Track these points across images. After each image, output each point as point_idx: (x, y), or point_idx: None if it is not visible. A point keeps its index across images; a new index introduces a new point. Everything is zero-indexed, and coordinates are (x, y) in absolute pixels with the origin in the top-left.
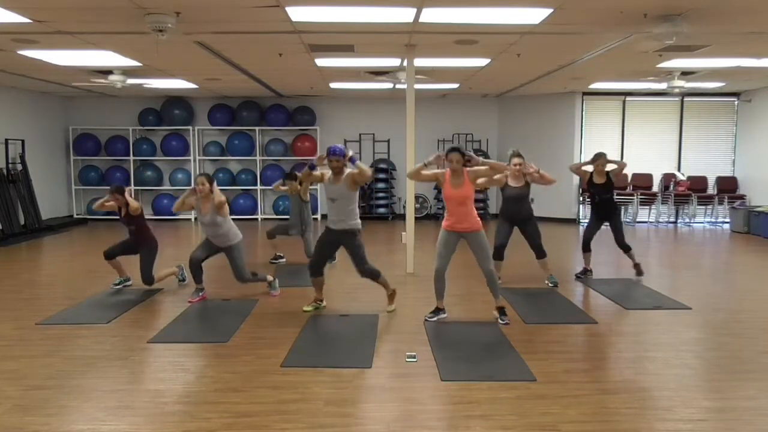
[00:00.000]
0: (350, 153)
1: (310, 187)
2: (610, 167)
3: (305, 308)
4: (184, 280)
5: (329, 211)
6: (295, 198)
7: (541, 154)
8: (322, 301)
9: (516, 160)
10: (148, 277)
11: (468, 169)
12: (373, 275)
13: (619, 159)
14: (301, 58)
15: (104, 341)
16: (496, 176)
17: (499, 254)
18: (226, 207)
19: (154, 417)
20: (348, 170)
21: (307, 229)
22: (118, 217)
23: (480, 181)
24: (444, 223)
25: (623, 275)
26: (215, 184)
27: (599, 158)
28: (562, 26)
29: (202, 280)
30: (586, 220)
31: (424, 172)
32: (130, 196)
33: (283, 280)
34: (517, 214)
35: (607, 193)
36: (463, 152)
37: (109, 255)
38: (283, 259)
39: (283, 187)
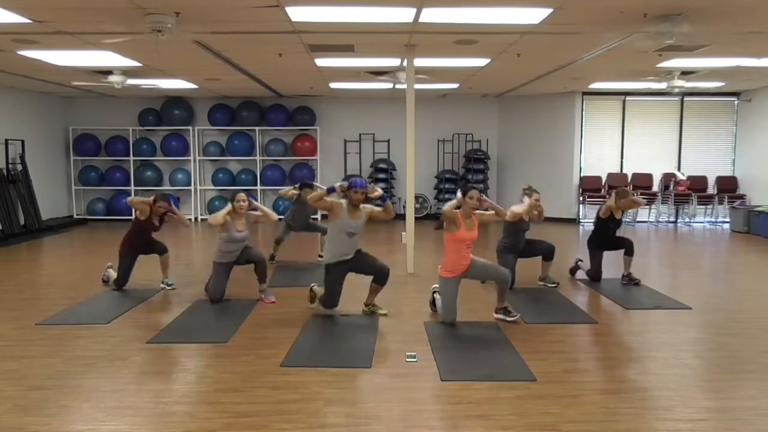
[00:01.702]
0: (379, 191)
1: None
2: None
3: (310, 305)
4: (172, 285)
5: (342, 245)
6: (304, 203)
7: (541, 154)
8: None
9: (536, 196)
10: (163, 246)
11: (476, 212)
12: (386, 272)
13: (638, 199)
14: (301, 58)
15: (104, 341)
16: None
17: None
18: None
19: (154, 417)
20: (362, 205)
21: (315, 228)
22: (131, 218)
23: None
24: (444, 272)
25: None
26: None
27: (625, 196)
28: (562, 26)
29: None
30: (586, 220)
31: (455, 210)
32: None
33: (283, 281)
34: (520, 244)
35: (618, 227)
36: (481, 191)
37: (124, 283)
38: (274, 260)
39: (293, 191)
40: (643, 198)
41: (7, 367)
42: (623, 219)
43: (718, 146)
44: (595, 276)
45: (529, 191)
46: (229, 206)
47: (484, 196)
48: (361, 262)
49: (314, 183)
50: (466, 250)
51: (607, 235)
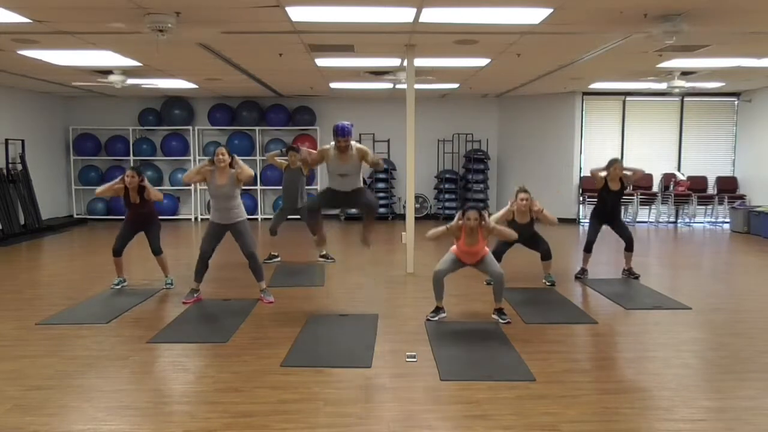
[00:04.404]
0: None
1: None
2: (627, 172)
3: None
4: (171, 284)
5: (336, 182)
6: (294, 172)
7: (541, 154)
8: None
9: (522, 195)
10: (158, 248)
11: (482, 226)
12: (373, 207)
13: (636, 167)
14: (301, 58)
15: (104, 341)
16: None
17: (497, 257)
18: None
19: (154, 417)
20: (354, 144)
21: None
22: (121, 200)
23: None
24: (454, 248)
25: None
26: (236, 156)
27: (614, 164)
28: (562, 26)
29: (202, 280)
30: (587, 221)
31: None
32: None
33: (282, 280)
34: (521, 235)
35: (618, 199)
36: (480, 212)
37: (119, 251)
38: (278, 258)
39: (280, 159)
40: (639, 169)
41: (7, 367)
42: (625, 190)
43: (718, 146)
44: (586, 246)
45: (518, 191)
46: (202, 162)
47: (487, 218)
48: (356, 198)
49: (300, 146)
50: (468, 258)
51: (604, 207)
